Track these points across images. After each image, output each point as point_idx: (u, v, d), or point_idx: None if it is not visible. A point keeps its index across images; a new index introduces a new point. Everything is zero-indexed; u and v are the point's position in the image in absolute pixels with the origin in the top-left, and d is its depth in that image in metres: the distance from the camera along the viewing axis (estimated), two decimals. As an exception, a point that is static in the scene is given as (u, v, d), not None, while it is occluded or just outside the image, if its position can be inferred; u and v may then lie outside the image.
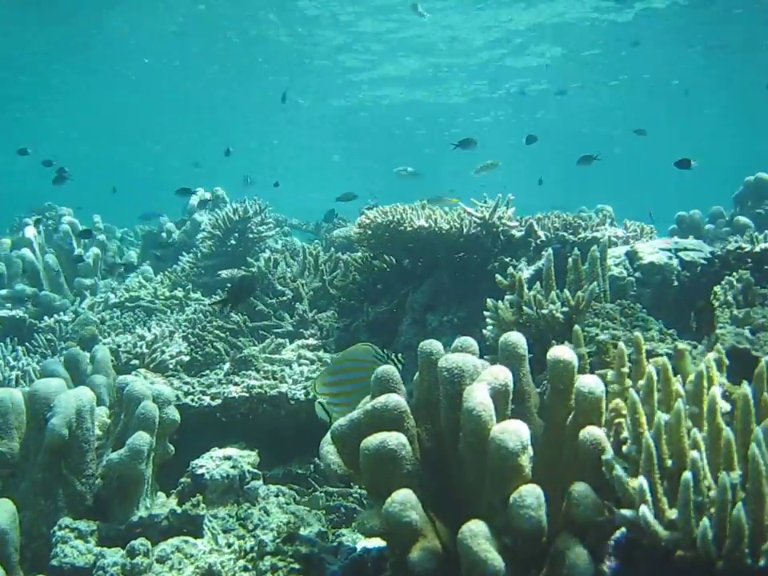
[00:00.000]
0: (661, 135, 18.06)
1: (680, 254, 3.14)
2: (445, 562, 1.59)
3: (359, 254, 4.31)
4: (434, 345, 1.83)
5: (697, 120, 21.28)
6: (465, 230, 3.49)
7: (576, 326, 1.84)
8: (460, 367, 1.70)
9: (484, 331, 2.34)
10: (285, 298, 4.12)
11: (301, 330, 4.01)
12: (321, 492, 2.78)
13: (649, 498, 1.39)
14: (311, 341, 3.83)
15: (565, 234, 3.40)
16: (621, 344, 1.71)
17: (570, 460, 1.63)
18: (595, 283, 2.14)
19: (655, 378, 1.57)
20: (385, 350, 2.11)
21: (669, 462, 1.48)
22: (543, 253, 2.78)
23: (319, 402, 2.11)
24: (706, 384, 1.55)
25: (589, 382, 1.60)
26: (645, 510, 1.36)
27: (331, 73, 18.66)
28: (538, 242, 3.45)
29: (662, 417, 1.46)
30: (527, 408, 1.80)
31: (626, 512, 1.40)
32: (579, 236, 3.37)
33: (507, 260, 3.39)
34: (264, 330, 3.96)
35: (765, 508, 1.32)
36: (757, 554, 1.32)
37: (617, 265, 3.11)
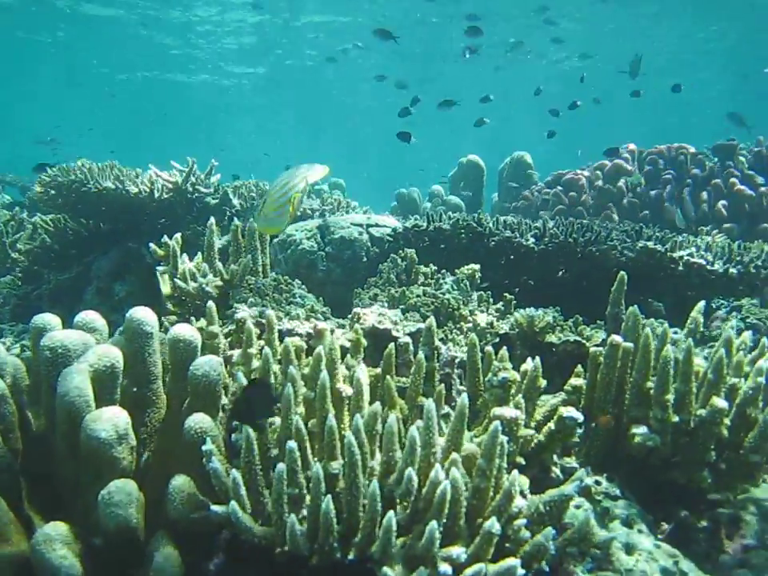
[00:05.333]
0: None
1: (371, 229, 3.12)
2: (29, 569, 1.39)
3: (53, 215, 3.92)
4: (47, 319, 1.61)
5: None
6: (157, 195, 3.25)
7: (210, 303, 1.70)
8: (66, 346, 1.49)
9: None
10: (-47, 261, 3.65)
11: (-30, 297, 3.57)
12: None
13: (243, 492, 1.29)
14: (-21, 309, 3.41)
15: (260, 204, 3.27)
16: (249, 323, 1.60)
17: (183, 449, 1.49)
18: (250, 257, 2.02)
19: (270, 361, 1.48)
20: None
21: (275, 452, 1.39)
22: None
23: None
24: (322, 367, 1.47)
25: (203, 365, 1.46)
26: (234, 505, 1.25)
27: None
28: (234, 210, 3.30)
29: (266, 403, 1.36)
30: (153, 390, 1.63)
31: (217, 507, 1.28)
32: (274, 207, 3.26)
33: (200, 228, 3.21)
34: None
35: (359, 500, 1.26)
36: (347, 547, 1.26)
37: (309, 238, 3.04)
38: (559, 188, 5.11)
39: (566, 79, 15.49)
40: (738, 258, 2.70)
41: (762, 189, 4.61)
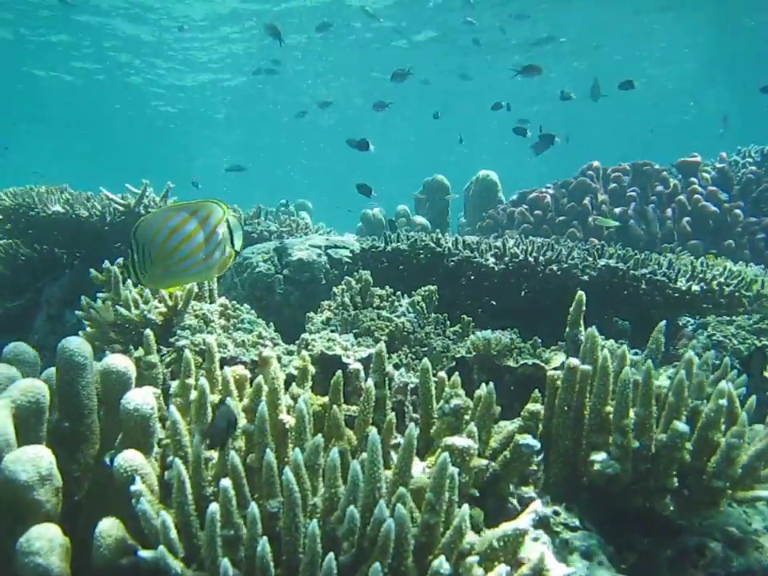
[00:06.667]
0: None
1: (330, 251, 3.05)
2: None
3: (4, 241, 3.81)
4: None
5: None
6: (109, 218, 3.16)
7: (147, 331, 1.62)
8: (-12, 381, 1.40)
9: (81, 333, 2.05)
10: None
11: None
12: None
13: (173, 535, 1.20)
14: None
15: (216, 226, 3.19)
16: (187, 352, 1.51)
17: (114, 489, 1.40)
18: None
19: (207, 392, 1.39)
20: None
21: (210, 490, 1.31)
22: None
23: None
24: (262, 397, 1.39)
25: (135, 398, 1.38)
26: (162, 550, 1.16)
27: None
28: (189, 234, 3.22)
29: (199, 439, 1.28)
30: (87, 425, 1.54)
31: (145, 553, 1.19)
32: (230, 229, 3.18)
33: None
34: None
35: (299, 540, 1.18)
36: (285, 592, 1.17)
37: (265, 261, 2.96)
38: (524, 206, 5.08)
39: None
40: (700, 276, 2.66)
41: (726, 205, 4.61)
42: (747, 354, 2.50)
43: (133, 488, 1.25)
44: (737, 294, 2.63)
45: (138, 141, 27.20)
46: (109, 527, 1.27)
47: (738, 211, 4.57)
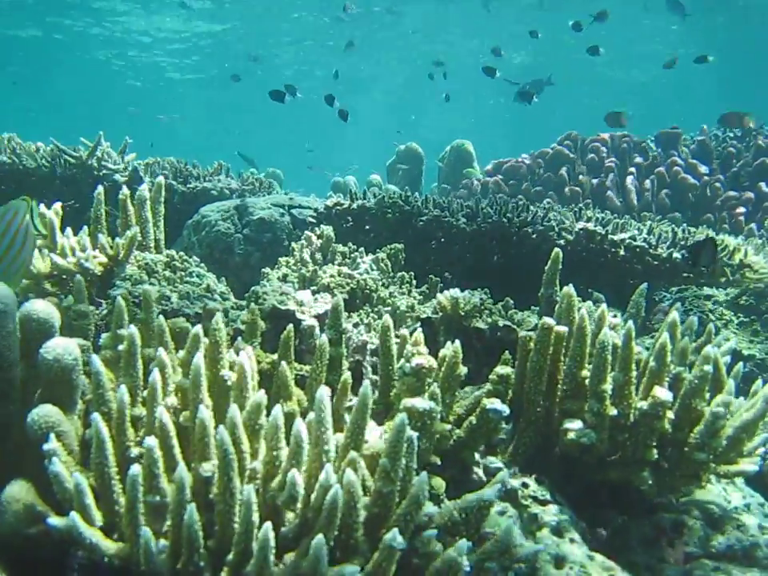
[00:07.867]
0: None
1: (293, 211, 2.89)
2: None
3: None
4: None
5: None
6: (59, 171, 2.97)
7: (78, 277, 1.46)
8: None
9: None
10: None
11: None
12: None
13: (89, 500, 1.05)
14: None
15: (174, 182, 3.01)
16: (119, 300, 1.36)
17: (30, 448, 1.25)
18: (137, 229, 1.77)
19: (137, 342, 1.24)
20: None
21: (135, 451, 1.16)
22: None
23: None
24: (199, 348, 1.24)
25: (55, 347, 1.21)
26: (75, 517, 1.01)
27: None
28: (145, 190, 3.05)
29: (124, 392, 1.12)
30: (8, 379, 1.38)
31: (55, 520, 1.04)
32: (189, 186, 3.01)
33: (107, 208, 2.94)
34: None
35: (234, 508, 1.04)
36: (218, 567, 1.03)
37: (225, 219, 2.79)
38: (499, 177, 4.94)
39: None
40: (682, 243, 2.53)
41: (706, 178, 4.50)
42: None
43: (45, 447, 1.10)
44: (719, 263, 2.51)
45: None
46: (17, 491, 1.12)
47: (718, 185, 4.46)
